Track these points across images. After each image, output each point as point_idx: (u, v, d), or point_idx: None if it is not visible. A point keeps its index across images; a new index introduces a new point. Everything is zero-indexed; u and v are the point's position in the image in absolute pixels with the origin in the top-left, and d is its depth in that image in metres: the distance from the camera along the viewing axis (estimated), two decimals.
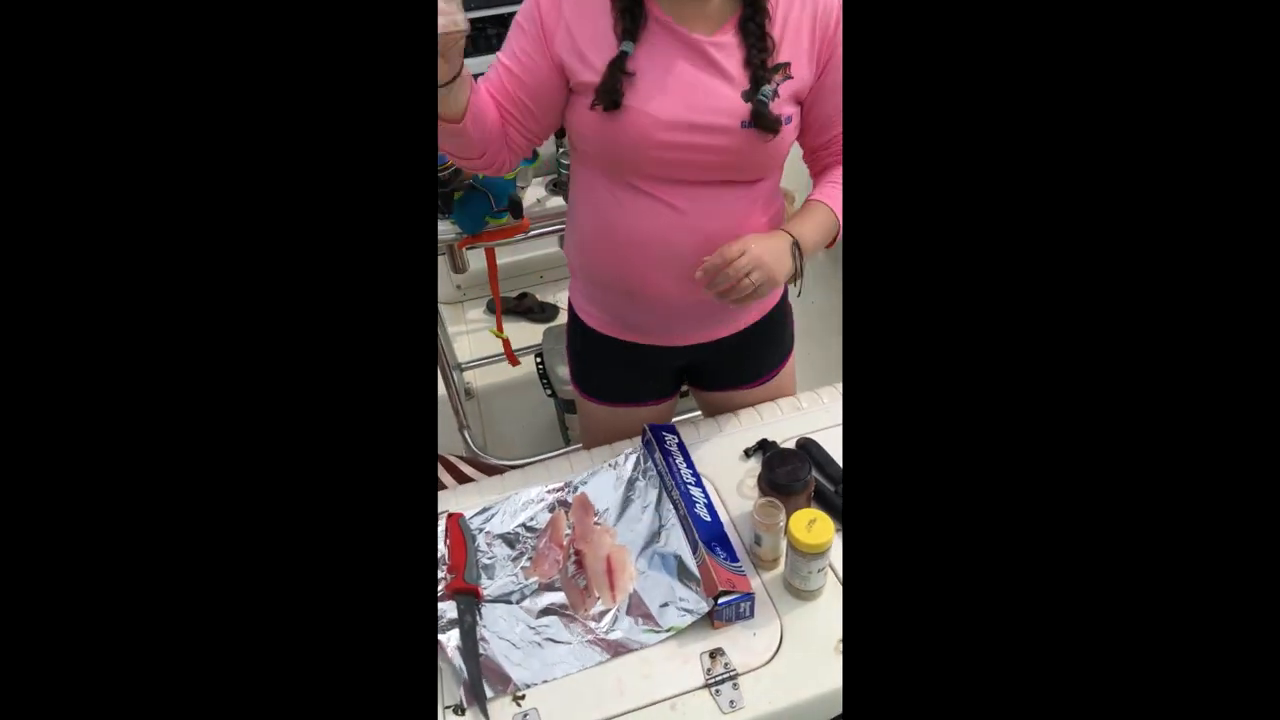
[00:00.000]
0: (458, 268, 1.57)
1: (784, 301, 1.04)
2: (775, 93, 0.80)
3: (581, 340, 1.04)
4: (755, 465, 0.93)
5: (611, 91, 0.79)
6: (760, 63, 0.80)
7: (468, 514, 0.91)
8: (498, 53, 0.85)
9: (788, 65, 0.81)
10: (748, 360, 1.04)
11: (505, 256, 2.12)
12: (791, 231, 0.84)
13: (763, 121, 0.80)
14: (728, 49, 0.80)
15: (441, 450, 1.61)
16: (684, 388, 1.12)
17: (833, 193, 0.88)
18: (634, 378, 1.04)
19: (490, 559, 0.86)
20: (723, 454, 0.96)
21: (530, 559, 0.86)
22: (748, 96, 0.80)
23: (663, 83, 0.80)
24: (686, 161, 0.82)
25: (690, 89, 0.80)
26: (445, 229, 1.37)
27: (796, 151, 0.92)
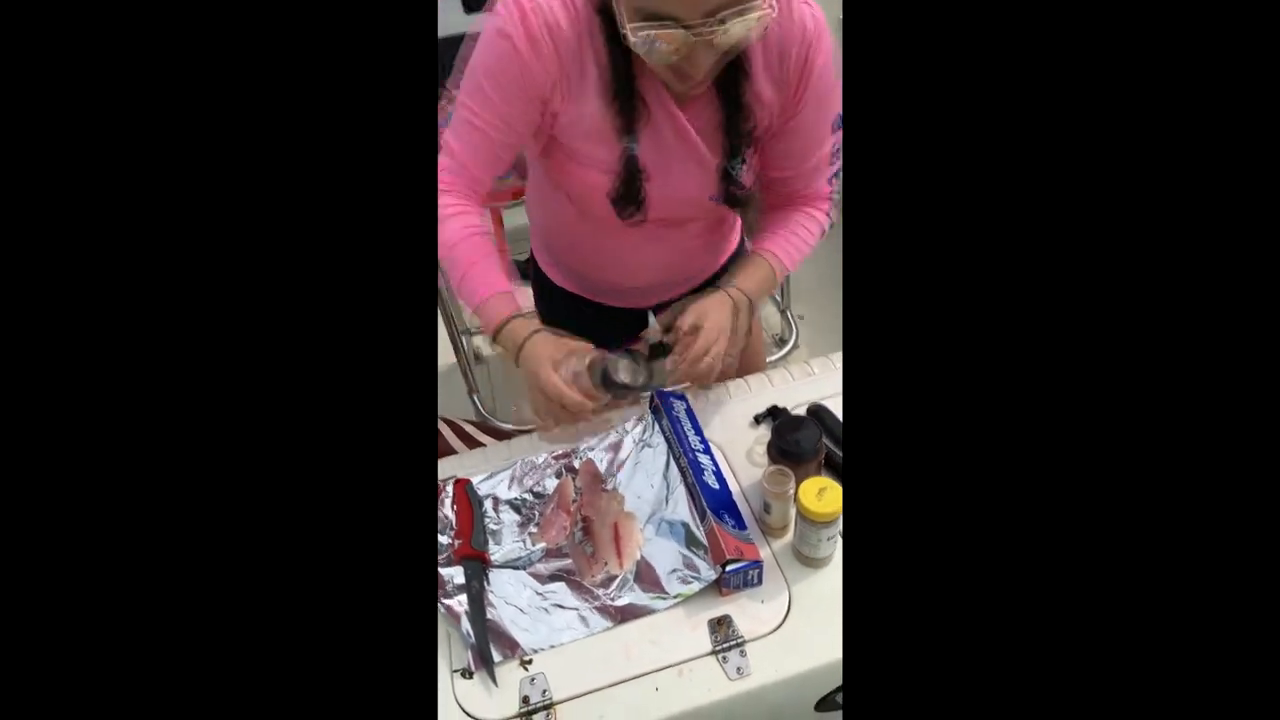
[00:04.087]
0: None
1: (741, 247, 1.06)
2: (744, 162, 0.80)
3: (546, 293, 1.07)
4: (765, 432, 0.92)
5: (633, 197, 0.79)
6: (735, 134, 0.77)
7: (475, 479, 0.90)
8: (467, 117, 0.78)
9: (755, 130, 0.79)
10: None
11: (514, 220, 2.09)
12: (745, 292, 0.84)
13: (731, 200, 0.83)
14: (702, 116, 0.77)
15: (450, 414, 1.60)
16: None
17: (779, 242, 0.85)
18: (598, 329, 1.06)
19: (497, 525, 0.86)
20: (732, 421, 0.94)
21: (537, 525, 0.85)
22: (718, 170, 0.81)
23: (659, 175, 0.79)
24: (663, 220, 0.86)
25: (674, 177, 0.80)
26: None
27: None
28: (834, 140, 0.80)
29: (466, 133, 0.79)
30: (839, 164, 0.82)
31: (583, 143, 0.79)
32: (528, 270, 2.21)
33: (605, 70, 0.73)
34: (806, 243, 0.85)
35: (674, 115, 0.77)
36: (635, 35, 0.62)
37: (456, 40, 1.69)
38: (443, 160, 0.81)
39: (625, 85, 0.72)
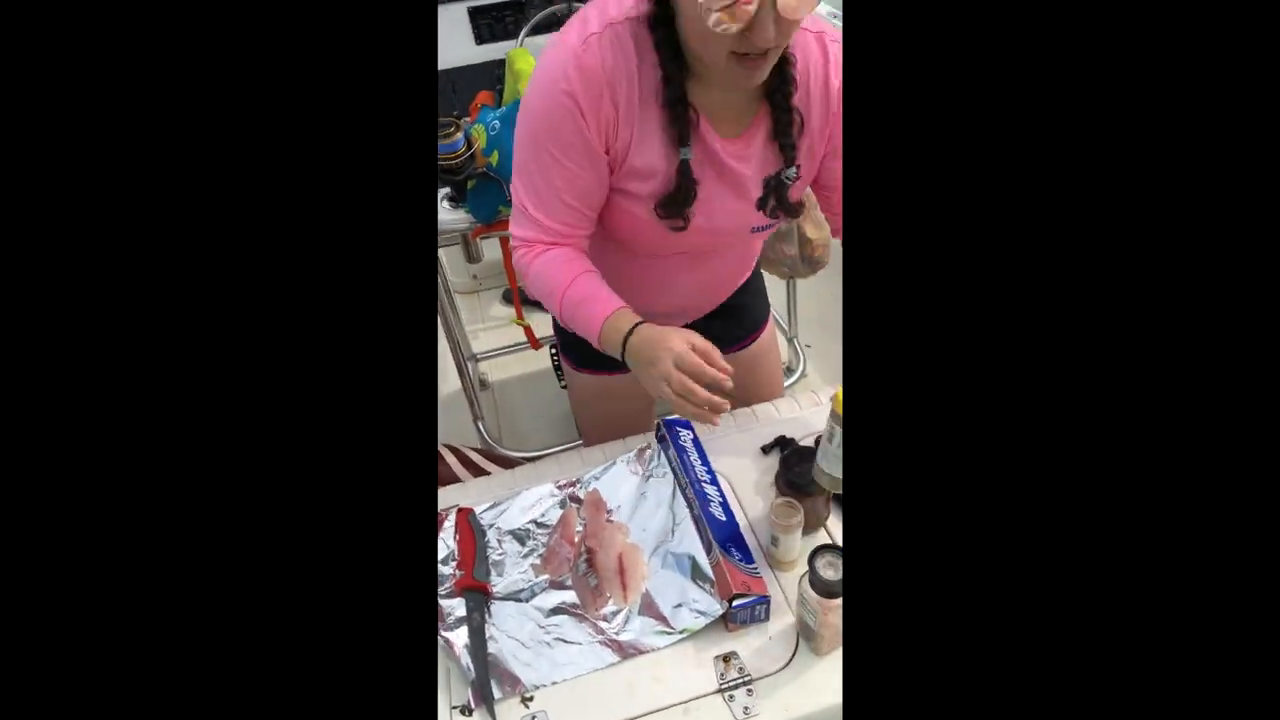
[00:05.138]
0: (472, 258, 1.56)
1: (756, 272, 1.10)
2: (797, 173, 0.82)
3: None
4: (773, 462, 0.90)
5: (685, 202, 0.79)
6: (787, 141, 0.80)
7: (478, 509, 0.89)
8: (538, 181, 0.78)
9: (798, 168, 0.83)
10: (734, 321, 1.09)
11: None
12: None
13: (787, 208, 0.84)
14: (747, 160, 0.80)
15: (456, 442, 1.60)
16: None
17: None
18: None
19: (500, 555, 0.84)
20: (740, 450, 0.93)
21: (541, 556, 0.84)
22: (761, 204, 0.83)
23: (703, 197, 0.80)
24: (706, 245, 0.88)
25: (717, 203, 0.82)
26: (459, 218, 1.35)
27: None
28: None
29: (537, 196, 0.78)
30: None
31: (640, 163, 0.78)
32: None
33: (660, 84, 0.74)
34: None
35: (721, 147, 0.79)
36: (708, 11, 0.64)
37: (467, 70, 1.72)
38: (520, 226, 0.81)
39: (680, 95, 0.74)
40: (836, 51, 0.79)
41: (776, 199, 0.84)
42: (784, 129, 0.79)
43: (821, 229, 1.43)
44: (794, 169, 0.82)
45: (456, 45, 1.71)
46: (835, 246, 1.56)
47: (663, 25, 0.72)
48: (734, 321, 1.08)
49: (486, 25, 1.72)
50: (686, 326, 1.04)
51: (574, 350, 1.08)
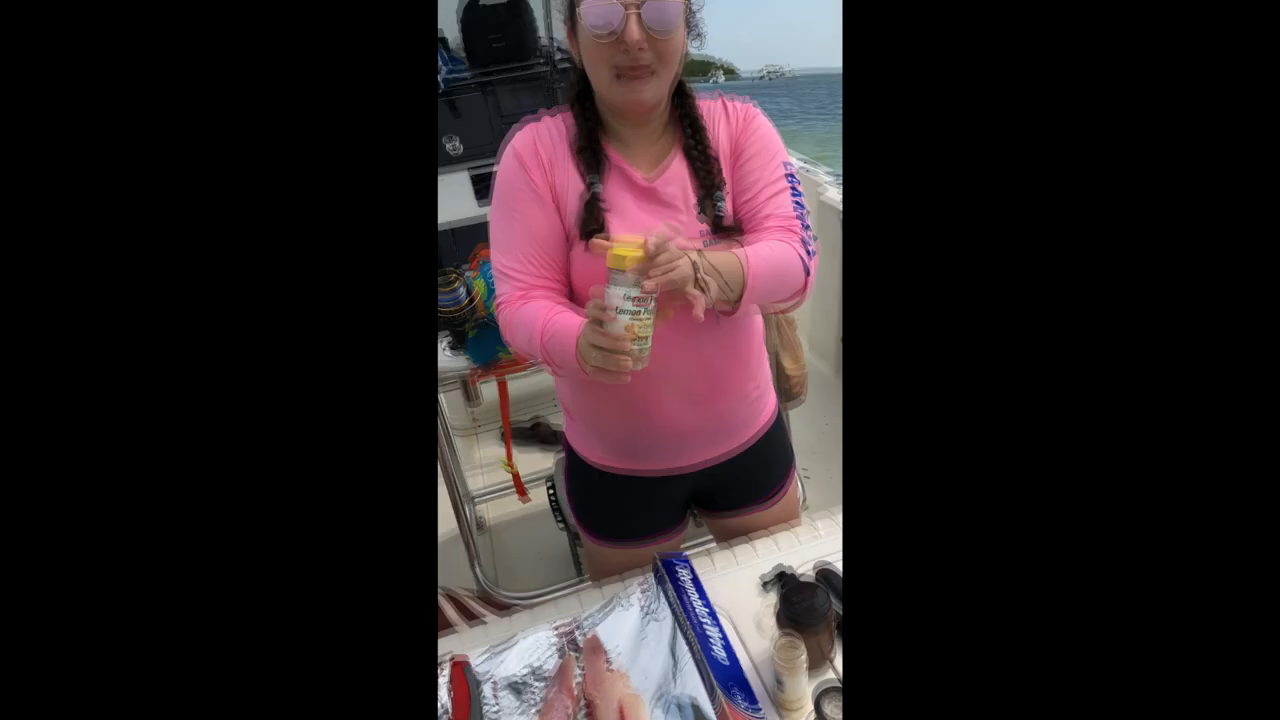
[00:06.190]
0: (471, 399, 1.59)
1: (780, 412, 1.07)
2: (722, 197, 0.89)
3: (583, 479, 1.03)
4: (775, 597, 0.89)
5: (592, 223, 0.85)
6: (708, 180, 0.88)
7: (473, 657, 0.86)
8: (503, 237, 0.88)
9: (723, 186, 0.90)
10: (757, 474, 1.04)
11: (517, 384, 2.15)
12: (702, 255, 0.79)
13: (723, 230, 0.88)
14: (671, 186, 0.88)
15: (452, 585, 1.56)
16: (697, 516, 1.10)
17: (749, 246, 0.84)
18: (642, 512, 1.02)
19: (496, 711, 0.81)
20: (739, 585, 0.92)
21: (538, 710, 0.80)
22: (701, 207, 0.89)
23: (630, 218, 0.86)
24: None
25: (646, 220, 0.87)
26: (460, 364, 1.41)
27: None
28: (784, 180, 0.89)
29: (505, 250, 0.87)
30: (803, 213, 0.89)
31: (570, 202, 0.86)
32: (532, 433, 2.22)
33: (575, 135, 0.88)
34: (775, 252, 0.84)
35: (642, 180, 0.87)
36: (584, 26, 0.79)
37: (468, 226, 1.85)
38: (500, 287, 0.88)
39: (590, 139, 0.87)
40: (734, 107, 0.92)
41: (714, 208, 0.88)
42: (702, 168, 0.88)
43: (799, 365, 1.48)
44: (720, 192, 0.88)
45: (459, 204, 1.86)
46: (815, 375, 1.59)
47: (580, 99, 0.89)
48: (760, 473, 1.04)
49: (487, 186, 1.88)
50: (702, 473, 0.98)
51: (600, 525, 1.05)
